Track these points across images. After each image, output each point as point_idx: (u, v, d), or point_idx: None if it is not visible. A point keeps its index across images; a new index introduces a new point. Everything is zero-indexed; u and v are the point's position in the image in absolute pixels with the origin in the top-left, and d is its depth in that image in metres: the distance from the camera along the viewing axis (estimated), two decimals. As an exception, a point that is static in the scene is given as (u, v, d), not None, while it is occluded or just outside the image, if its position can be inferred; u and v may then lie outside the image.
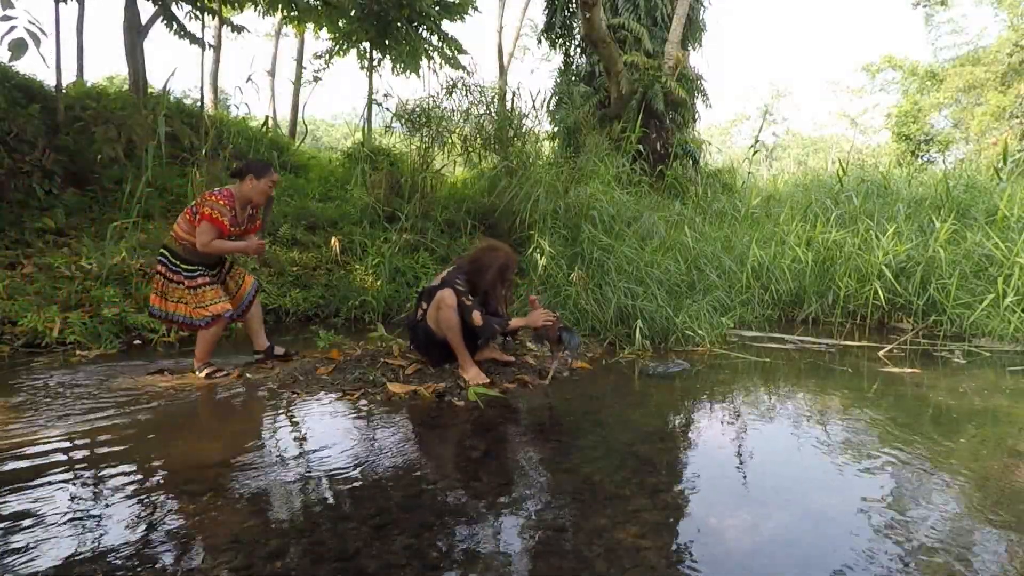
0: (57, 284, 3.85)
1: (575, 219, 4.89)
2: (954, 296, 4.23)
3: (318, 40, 11.05)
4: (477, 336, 2.95)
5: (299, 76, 12.58)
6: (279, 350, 3.29)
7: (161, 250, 2.93)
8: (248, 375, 2.95)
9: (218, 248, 2.85)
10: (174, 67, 9.21)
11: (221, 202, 2.82)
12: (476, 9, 8.94)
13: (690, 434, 2.33)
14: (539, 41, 10.63)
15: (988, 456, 2.04)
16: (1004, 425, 2.39)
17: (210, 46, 8.30)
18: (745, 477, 1.86)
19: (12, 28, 3.67)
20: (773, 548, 1.44)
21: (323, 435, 2.22)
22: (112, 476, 1.77)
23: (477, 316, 2.79)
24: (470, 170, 6.83)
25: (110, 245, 4.08)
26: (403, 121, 6.43)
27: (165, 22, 6.92)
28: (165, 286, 2.90)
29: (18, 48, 3.64)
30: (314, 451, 2.04)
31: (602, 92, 8.47)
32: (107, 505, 1.59)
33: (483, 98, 6.42)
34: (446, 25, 9.04)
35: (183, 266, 2.89)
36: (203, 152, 5.01)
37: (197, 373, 2.92)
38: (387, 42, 8.94)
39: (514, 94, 6.39)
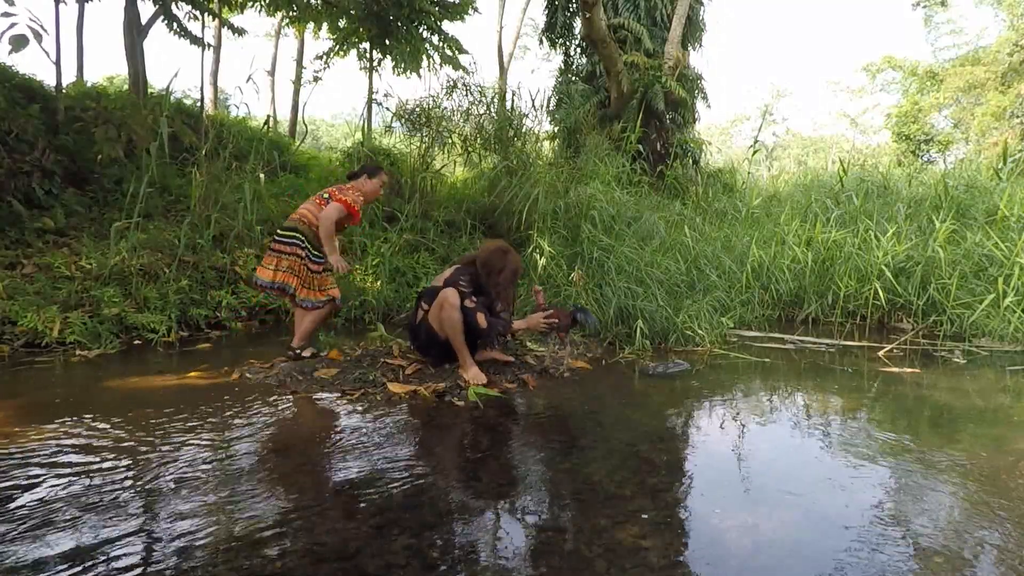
0: (57, 284, 3.85)
1: (575, 219, 4.89)
2: (954, 296, 4.23)
3: (318, 40, 11.06)
4: (478, 336, 2.94)
5: (299, 76, 12.58)
6: (307, 352, 3.27)
7: (294, 234, 3.04)
8: (248, 375, 2.95)
9: (327, 233, 2.97)
10: (177, 68, 9.24)
11: (357, 195, 3.09)
12: (476, 9, 8.94)
13: (690, 434, 2.33)
14: (539, 41, 10.63)
15: (988, 456, 2.04)
16: (1004, 425, 2.39)
17: (210, 46, 8.31)
18: (745, 477, 1.86)
19: (13, 25, 3.67)
20: (773, 548, 1.44)
21: (322, 435, 2.22)
22: (111, 477, 1.77)
23: (482, 318, 2.77)
24: (470, 170, 6.82)
25: (111, 245, 4.08)
26: (403, 121, 6.42)
27: (165, 22, 6.91)
28: (301, 269, 3.05)
29: (19, 43, 3.64)
30: (314, 451, 2.04)
31: (602, 92, 8.47)
32: (107, 506, 1.59)
33: (483, 98, 6.41)
34: (446, 25, 9.04)
35: (316, 253, 3.06)
36: (203, 152, 5.01)
37: (300, 352, 3.11)
38: (387, 42, 8.94)
39: (514, 94, 6.39)
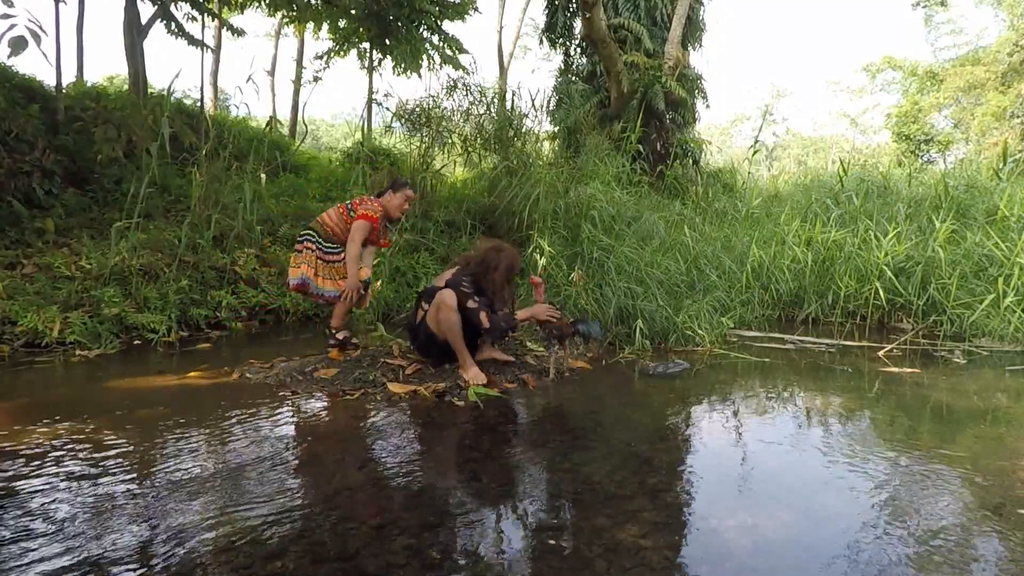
0: (57, 284, 3.85)
1: (575, 219, 4.89)
2: (954, 296, 4.23)
3: (318, 40, 11.07)
4: (477, 335, 2.94)
5: (299, 76, 12.58)
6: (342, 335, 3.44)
7: (308, 232, 3.27)
8: (248, 375, 2.95)
9: (352, 255, 3.15)
10: (178, 68, 9.25)
11: (376, 205, 3.25)
12: (476, 9, 8.94)
13: (690, 434, 2.33)
14: (539, 41, 10.63)
15: (988, 456, 2.04)
16: (1004, 425, 2.39)
17: (208, 47, 8.30)
18: (745, 477, 1.86)
19: (12, 27, 3.67)
20: (773, 548, 1.44)
21: (322, 435, 2.22)
22: (111, 477, 1.77)
23: (484, 317, 2.77)
24: (470, 170, 6.83)
25: (111, 245, 4.08)
26: (403, 121, 6.43)
27: (164, 23, 6.91)
28: (318, 263, 3.25)
29: (18, 45, 3.64)
30: (313, 451, 2.04)
31: (602, 92, 8.47)
32: (106, 506, 1.59)
33: (483, 98, 6.42)
34: (446, 25, 9.05)
35: (326, 245, 3.26)
36: (203, 152, 5.01)
37: (335, 334, 3.23)
38: (387, 42, 8.94)
39: (514, 94, 6.39)
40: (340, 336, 3.24)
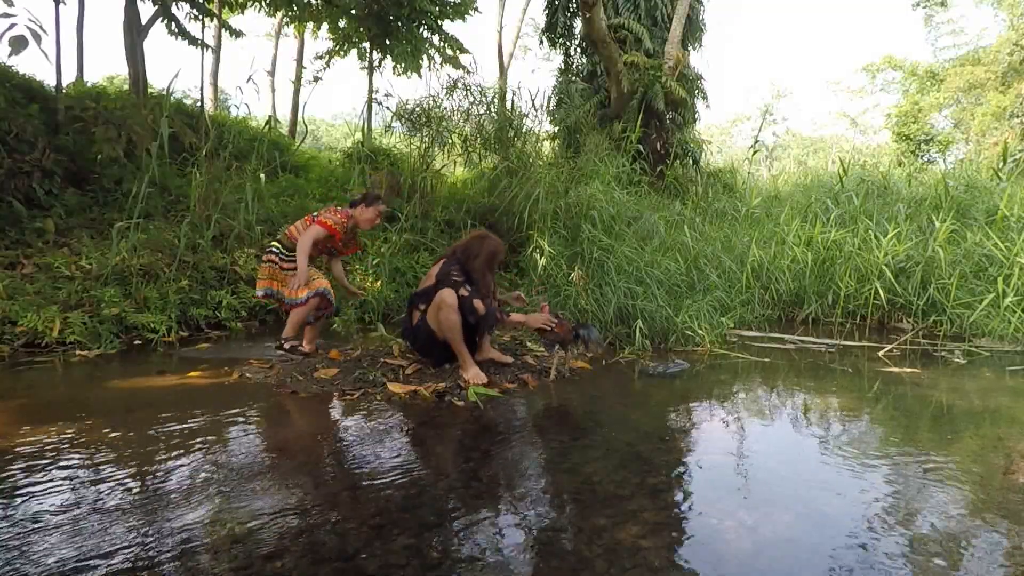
0: (57, 284, 3.85)
1: (575, 219, 4.89)
2: (954, 296, 4.23)
3: (318, 40, 11.08)
4: (476, 335, 2.95)
5: (299, 76, 12.58)
6: (288, 344, 3.42)
7: (274, 244, 3.34)
8: (248, 375, 2.95)
9: (302, 248, 3.14)
10: (177, 68, 9.28)
11: (340, 217, 3.30)
12: (476, 9, 8.94)
13: (690, 434, 2.33)
14: (540, 41, 10.63)
15: (988, 456, 2.04)
16: (1004, 425, 2.39)
17: (208, 47, 8.30)
18: (745, 477, 1.86)
19: (12, 26, 3.67)
20: (773, 548, 1.44)
21: (322, 435, 2.22)
22: (111, 477, 1.77)
23: (479, 304, 2.80)
24: (470, 170, 6.83)
25: (111, 245, 4.08)
26: (403, 121, 6.43)
27: (164, 23, 6.91)
28: (276, 272, 3.29)
29: (18, 44, 3.64)
30: (313, 451, 2.04)
31: (602, 92, 8.47)
32: (106, 507, 1.59)
33: (483, 98, 6.41)
34: (446, 24, 9.05)
35: (287, 255, 3.28)
36: (203, 152, 5.01)
37: (283, 344, 3.28)
38: (387, 42, 8.94)
39: (514, 94, 6.39)
40: (288, 345, 3.27)
